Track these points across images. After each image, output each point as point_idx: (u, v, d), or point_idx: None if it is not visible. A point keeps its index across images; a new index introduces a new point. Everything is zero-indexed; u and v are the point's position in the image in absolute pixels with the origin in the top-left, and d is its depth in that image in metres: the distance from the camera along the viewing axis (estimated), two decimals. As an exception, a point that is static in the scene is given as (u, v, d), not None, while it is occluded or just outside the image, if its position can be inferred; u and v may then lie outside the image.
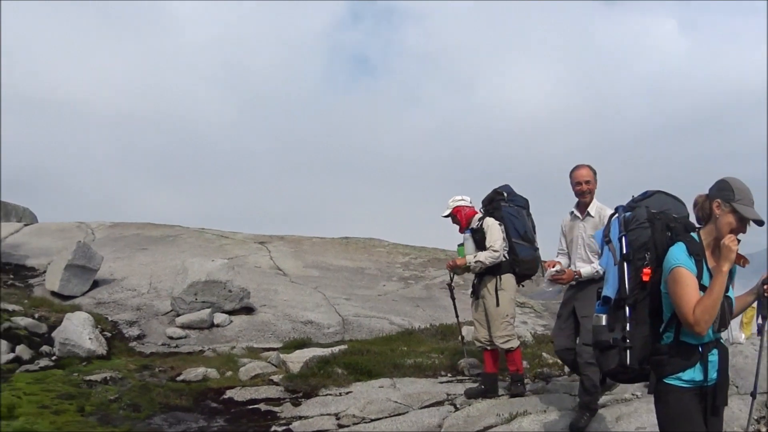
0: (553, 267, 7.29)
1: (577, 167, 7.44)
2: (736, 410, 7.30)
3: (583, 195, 7.40)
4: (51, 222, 23.33)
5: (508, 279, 8.38)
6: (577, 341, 7.29)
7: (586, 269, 7.27)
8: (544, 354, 11.30)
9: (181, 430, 8.16)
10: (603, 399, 7.69)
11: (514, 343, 8.39)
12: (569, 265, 7.52)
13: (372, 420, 8.32)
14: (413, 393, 9.07)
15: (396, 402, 8.79)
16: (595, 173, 7.45)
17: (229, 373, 10.23)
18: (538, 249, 8.67)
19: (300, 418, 8.56)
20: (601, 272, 6.53)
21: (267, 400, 9.20)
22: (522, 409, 7.89)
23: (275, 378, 9.94)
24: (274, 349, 11.76)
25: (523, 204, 8.72)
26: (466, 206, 8.80)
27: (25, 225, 22.07)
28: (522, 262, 8.40)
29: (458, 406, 8.54)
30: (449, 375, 10.16)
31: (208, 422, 8.47)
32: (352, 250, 21.72)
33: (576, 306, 7.30)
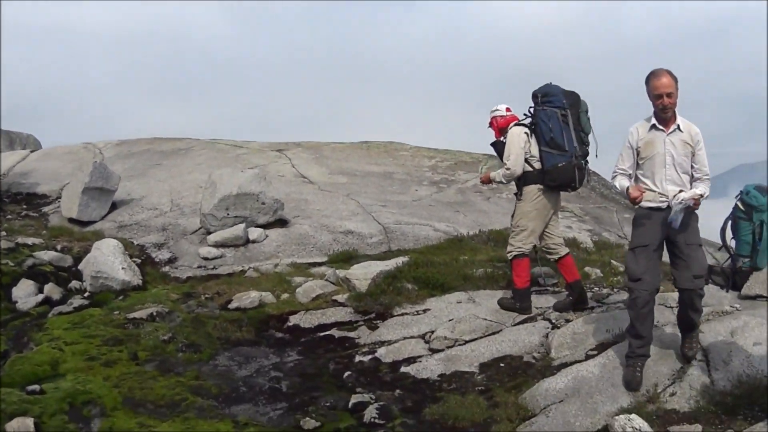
0: (640, 194, 5.96)
1: (656, 75, 5.94)
2: None
3: (666, 111, 5.97)
4: (57, 146, 21.54)
5: (530, 190, 7.81)
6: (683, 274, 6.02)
7: (703, 189, 6.04)
8: (612, 261, 10.50)
9: (254, 369, 7.04)
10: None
11: (515, 253, 7.88)
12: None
13: (467, 341, 7.39)
14: (498, 308, 8.13)
15: (485, 319, 7.85)
16: (677, 81, 5.97)
17: (286, 295, 9.04)
18: (575, 156, 7.68)
19: (383, 343, 7.57)
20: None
21: (338, 325, 8.15)
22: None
23: (340, 298, 8.82)
24: (320, 264, 10.70)
25: (560, 104, 7.72)
26: (499, 116, 8.17)
27: (31, 152, 20.38)
28: (548, 172, 7.69)
29: (554, 321, 7.71)
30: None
31: (281, 357, 7.39)
32: (374, 155, 20.42)
33: (678, 234, 5.94)
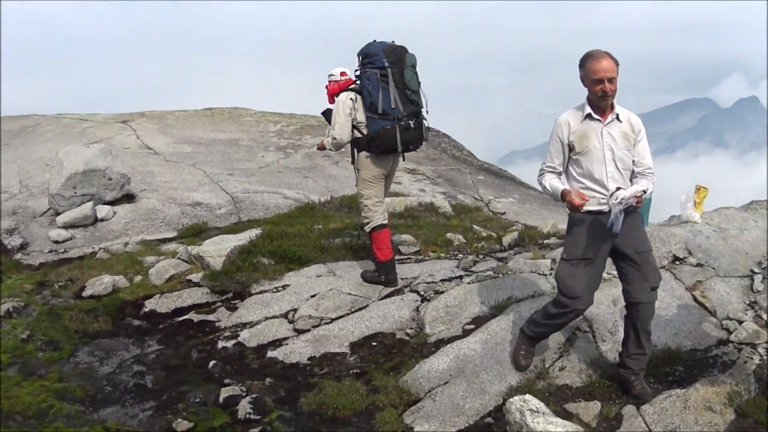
0: (584, 202, 5.05)
1: (594, 57, 5.09)
2: (724, 293, 7.04)
3: (605, 99, 5.11)
4: None
5: (362, 158, 7.39)
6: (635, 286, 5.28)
7: (645, 185, 5.16)
8: (474, 226, 10.17)
9: (116, 365, 6.21)
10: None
11: (372, 225, 7.42)
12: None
13: (333, 319, 6.86)
14: (361, 281, 7.62)
15: (350, 294, 7.35)
16: (618, 65, 5.13)
17: (139, 277, 8.13)
18: (397, 118, 7.05)
19: (245, 325, 6.89)
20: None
21: (196, 308, 7.36)
22: (505, 295, 6.97)
23: (194, 278, 7.98)
24: (170, 240, 9.89)
25: (380, 64, 7.02)
26: (333, 80, 7.57)
27: None
28: (372, 138, 7.17)
29: (422, 293, 7.25)
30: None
31: (141, 348, 6.58)
32: (219, 121, 19.63)
33: (626, 242, 5.20)
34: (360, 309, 6.97)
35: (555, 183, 5.29)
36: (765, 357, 6.11)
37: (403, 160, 7.71)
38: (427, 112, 7.41)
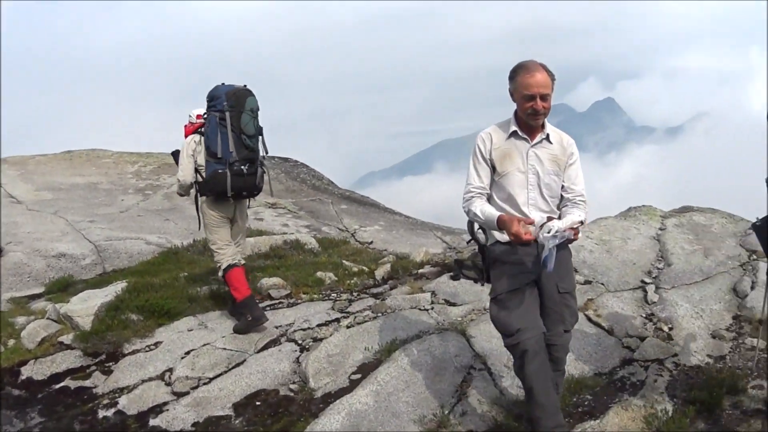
0: (529, 235, 4.27)
1: (527, 69, 4.49)
2: (618, 309, 7.14)
3: (537, 117, 4.56)
4: None
5: (203, 202, 7.37)
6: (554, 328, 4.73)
7: (579, 215, 4.52)
8: (344, 261, 10.00)
9: None
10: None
11: (223, 266, 7.34)
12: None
13: (211, 379, 6.48)
14: (233, 332, 7.34)
15: (225, 349, 7.02)
16: (553, 80, 4.57)
17: (12, 341, 7.58)
18: (230, 162, 6.95)
19: (122, 390, 6.46)
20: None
21: (71, 373, 6.88)
22: (388, 337, 6.74)
23: (66, 339, 7.46)
24: (39, 296, 9.44)
25: (221, 107, 6.96)
26: (189, 123, 7.45)
27: None
28: (206, 181, 7.12)
29: (300, 342, 7.02)
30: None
31: (24, 421, 6.11)
32: (78, 165, 19.04)
33: (549, 278, 4.60)
34: (238, 365, 6.64)
35: (488, 209, 4.55)
36: (675, 372, 6.12)
37: (249, 206, 7.67)
38: (263, 157, 7.34)
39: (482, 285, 7.77)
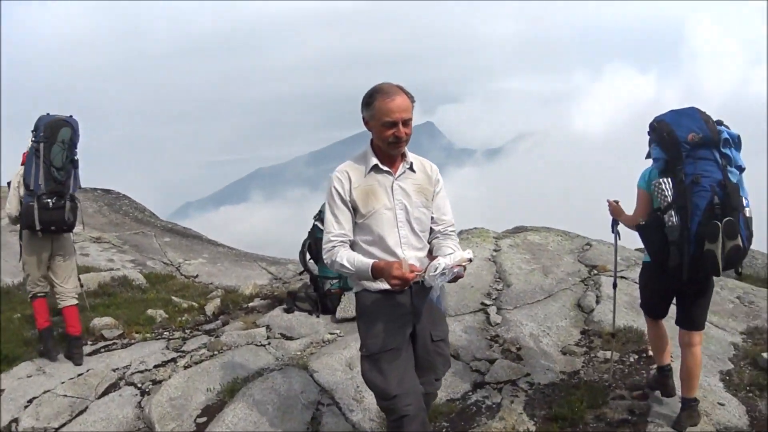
0: (411, 270, 3.81)
1: (386, 93, 4.06)
2: (462, 334, 7.29)
3: (398, 145, 4.15)
4: None
5: (22, 234, 7.30)
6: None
7: (468, 253, 3.94)
8: (173, 298, 9.98)
9: None
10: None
11: (30, 294, 7.44)
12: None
13: (57, 428, 6.32)
14: (72, 377, 7.16)
15: (65, 395, 6.83)
16: (413, 102, 4.17)
17: None
18: (38, 194, 6.92)
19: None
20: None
21: None
22: (229, 376, 6.69)
23: None
24: None
25: (39, 137, 6.98)
26: (25, 152, 7.20)
27: None
28: (19, 215, 7.08)
29: (139, 385, 6.95)
30: (88, 342, 8.21)
31: None
32: None
33: (423, 324, 4.33)
34: (81, 412, 6.50)
35: (357, 258, 4.03)
36: (530, 391, 6.16)
37: (75, 240, 7.63)
38: (74, 190, 7.24)
39: (317, 317, 8.11)
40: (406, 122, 4.08)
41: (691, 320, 5.39)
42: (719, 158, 4.97)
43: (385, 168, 4.24)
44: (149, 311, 9.09)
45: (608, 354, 6.72)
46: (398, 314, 4.23)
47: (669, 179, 4.99)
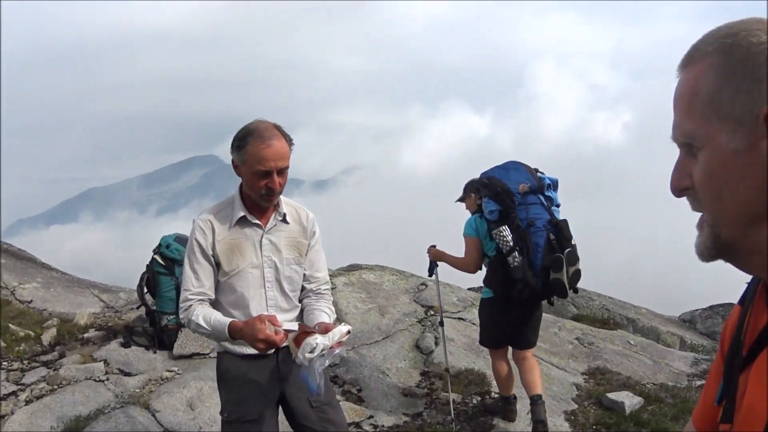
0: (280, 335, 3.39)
1: (261, 138, 3.59)
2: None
3: (271, 197, 3.75)
4: None
5: None
6: None
7: (326, 318, 3.80)
8: (10, 325, 9.69)
9: None
10: None
11: None
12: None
13: None
14: None
15: None
16: (291, 145, 3.74)
17: None
18: None
19: None
20: None
21: None
22: (71, 413, 6.66)
23: None
24: None
25: None
26: None
27: None
28: None
29: None
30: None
31: None
32: None
33: (297, 390, 3.91)
34: None
35: (214, 316, 3.59)
36: (378, 429, 6.34)
37: None
38: None
39: (154, 352, 8.14)
40: (282, 171, 3.63)
41: (527, 341, 6.45)
42: (544, 201, 6.06)
43: (254, 220, 3.80)
44: (-15, 341, 8.85)
45: (450, 396, 6.80)
46: (262, 380, 3.82)
47: (506, 226, 5.95)
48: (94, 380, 7.39)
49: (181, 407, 6.54)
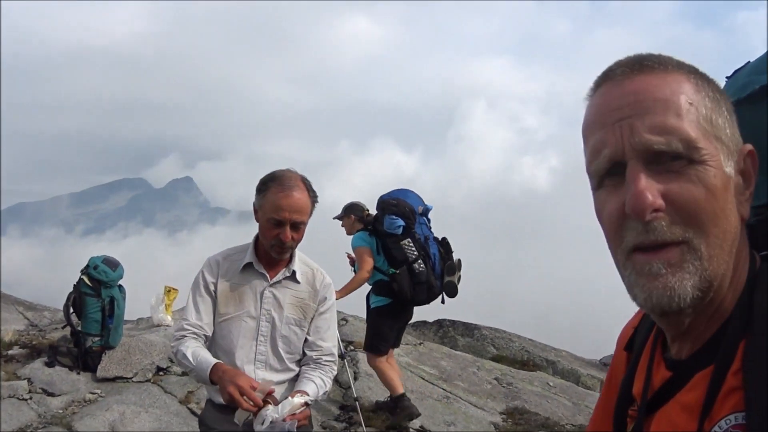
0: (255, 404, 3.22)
1: (284, 185, 3.45)
2: None
3: (283, 251, 3.55)
4: None
5: None
6: None
7: (313, 388, 3.53)
8: None
9: None
10: None
11: None
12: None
13: None
14: None
15: None
16: (315, 203, 3.59)
17: None
18: None
19: None
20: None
21: None
22: None
23: None
24: None
25: None
26: None
27: None
28: None
29: None
30: None
31: None
32: None
33: None
34: None
35: (202, 354, 3.44)
36: None
37: None
38: None
39: (78, 373, 7.97)
40: (297, 225, 3.43)
41: (399, 340, 7.66)
42: (427, 222, 7.44)
43: (261, 270, 3.62)
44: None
45: (368, 429, 6.97)
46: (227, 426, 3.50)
47: (409, 239, 7.05)
48: (18, 398, 7.23)
49: (103, 430, 6.45)
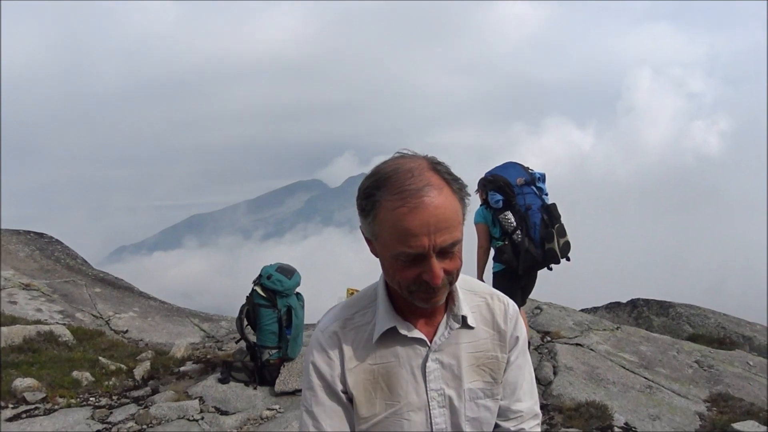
0: None
1: (402, 191, 1.84)
2: None
3: (434, 297, 1.97)
4: None
5: None
6: None
7: None
8: (100, 358, 9.06)
9: None
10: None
11: None
12: None
13: None
14: None
15: None
16: (465, 202, 1.93)
17: None
18: None
19: None
20: None
21: None
22: None
23: None
24: None
25: None
26: None
27: None
28: None
29: None
30: (9, 405, 7.40)
31: None
32: None
33: None
34: None
35: None
36: None
37: (3, 287, 6.96)
38: None
39: (254, 388, 7.62)
40: (448, 251, 1.91)
41: (523, 301, 7.79)
42: (536, 191, 7.45)
43: (413, 334, 2.12)
44: (75, 373, 8.25)
45: (570, 431, 6.56)
46: None
47: (509, 212, 7.32)
48: (188, 419, 6.85)
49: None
